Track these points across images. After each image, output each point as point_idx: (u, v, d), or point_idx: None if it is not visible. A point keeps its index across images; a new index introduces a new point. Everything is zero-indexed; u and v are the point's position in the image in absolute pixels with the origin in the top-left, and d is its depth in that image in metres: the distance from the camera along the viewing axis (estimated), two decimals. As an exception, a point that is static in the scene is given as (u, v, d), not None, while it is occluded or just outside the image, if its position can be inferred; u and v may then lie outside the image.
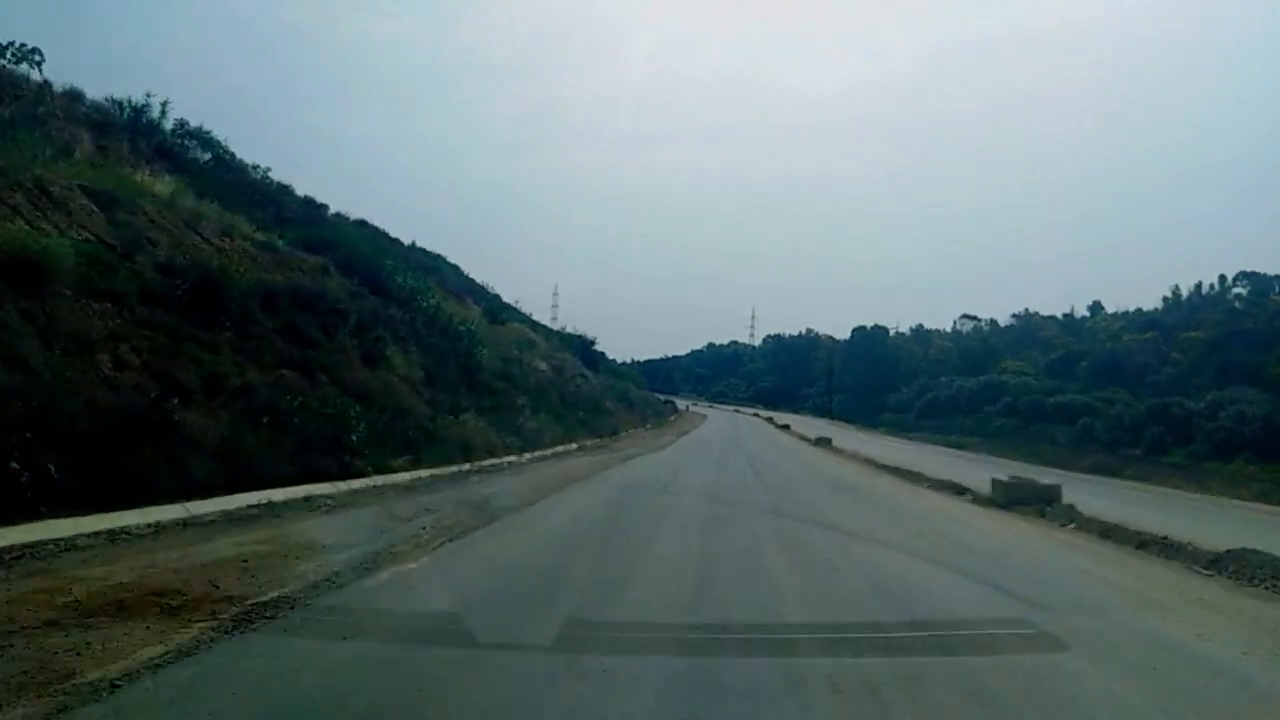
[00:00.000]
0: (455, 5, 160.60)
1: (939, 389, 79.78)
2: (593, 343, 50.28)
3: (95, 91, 20.35)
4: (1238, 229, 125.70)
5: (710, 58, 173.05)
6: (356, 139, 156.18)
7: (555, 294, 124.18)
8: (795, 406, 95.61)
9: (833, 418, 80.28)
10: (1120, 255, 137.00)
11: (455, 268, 41.39)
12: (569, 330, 49.40)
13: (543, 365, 24.93)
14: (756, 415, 79.69)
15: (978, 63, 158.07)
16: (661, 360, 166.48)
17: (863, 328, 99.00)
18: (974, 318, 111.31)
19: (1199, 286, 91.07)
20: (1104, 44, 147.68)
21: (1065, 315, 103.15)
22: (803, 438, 42.98)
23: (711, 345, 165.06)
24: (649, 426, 40.49)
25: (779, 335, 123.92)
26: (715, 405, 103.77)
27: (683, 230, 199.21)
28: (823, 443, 38.10)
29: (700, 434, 39.12)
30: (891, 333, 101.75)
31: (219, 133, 23.70)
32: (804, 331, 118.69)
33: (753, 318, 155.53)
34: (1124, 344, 71.55)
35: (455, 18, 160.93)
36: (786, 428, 51.64)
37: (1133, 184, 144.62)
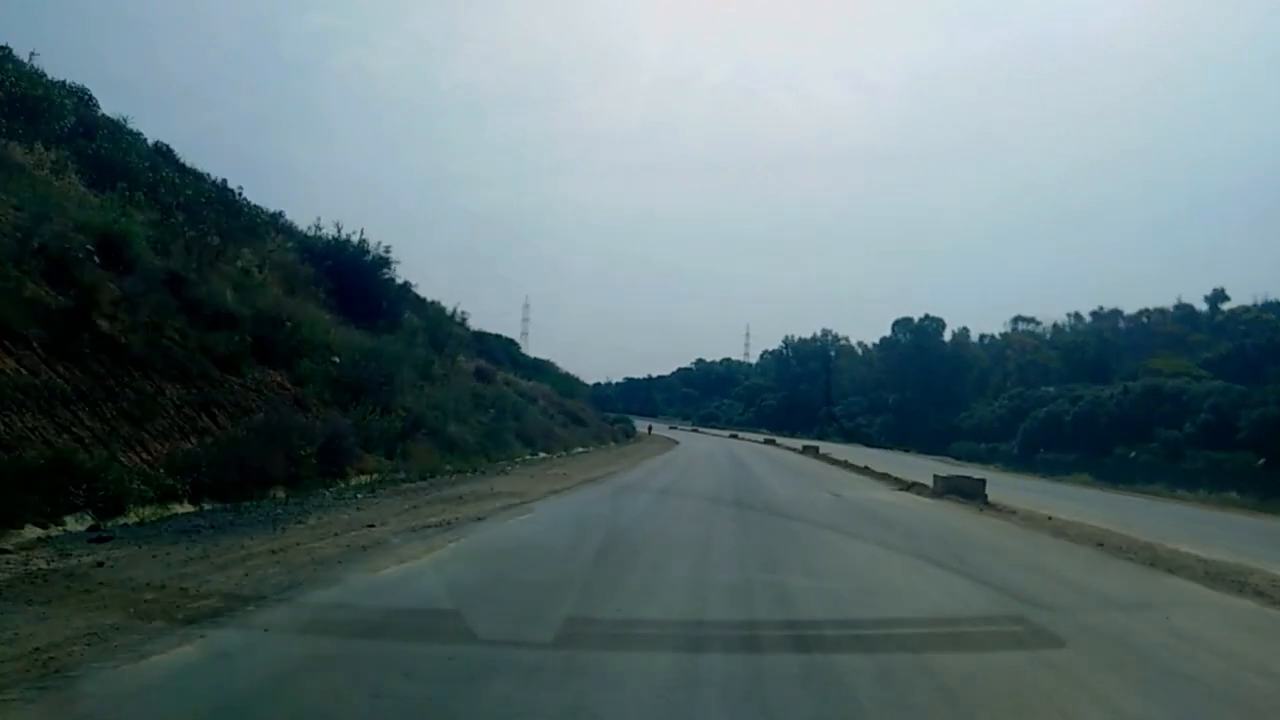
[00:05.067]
0: (447, 38, 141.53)
1: (1053, 403, 50.48)
2: (378, 263, 19.38)
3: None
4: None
5: (705, 87, 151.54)
6: (347, 171, 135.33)
7: (526, 307, 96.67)
8: (819, 431, 66.02)
9: (905, 448, 50.93)
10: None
11: None
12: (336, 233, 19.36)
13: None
14: (771, 442, 50.17)
15: (964, 89, 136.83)
16: (644, 380, 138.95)
17: (908, 320, 69.94)
18: (1031, 319, 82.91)
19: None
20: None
21: (1177, 307, 75.39)
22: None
23: (701, 362, 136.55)
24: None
25: (786, 340, 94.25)
26: (702, 430, 74.21)
27: (673, 253, 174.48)
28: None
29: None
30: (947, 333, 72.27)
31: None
32: (818, 334, 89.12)
33: (747, 335, 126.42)
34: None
35: (447, 50, 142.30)
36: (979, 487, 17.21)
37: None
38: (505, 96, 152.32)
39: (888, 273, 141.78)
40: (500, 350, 44.35)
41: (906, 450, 49.27)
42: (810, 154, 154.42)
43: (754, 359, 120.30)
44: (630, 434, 46.33)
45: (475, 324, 40.17)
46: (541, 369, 47.49)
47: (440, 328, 21.66)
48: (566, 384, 45.81)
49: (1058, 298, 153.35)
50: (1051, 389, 54.52)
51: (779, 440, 51.84)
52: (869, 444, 52.00)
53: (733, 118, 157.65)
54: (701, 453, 34.66)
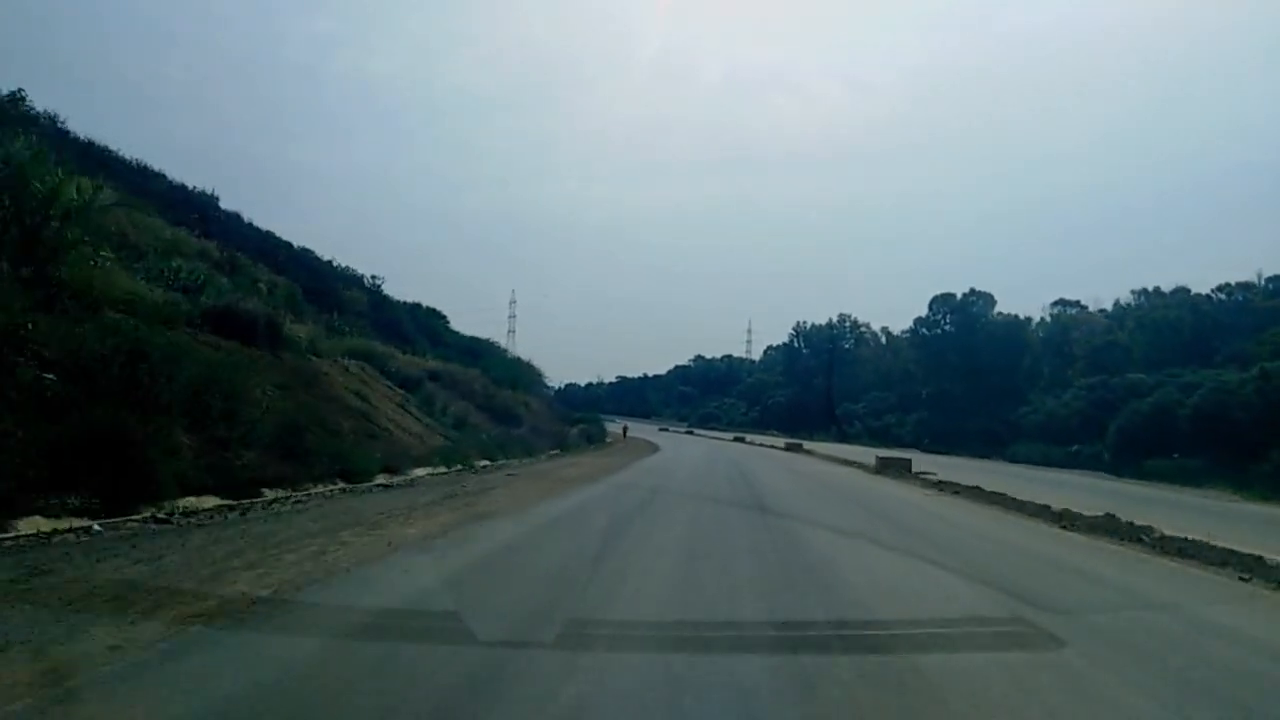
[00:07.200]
0: (445, 41, 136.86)
1: (1156, 393, 38.55)
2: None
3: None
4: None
5: (699, 91, 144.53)
6: (345, 174, 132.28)
7: (512, 303, 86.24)
8: (837, 432, 54.04)
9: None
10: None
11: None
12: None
13: None
14: (796, 448, 38.18)
15: (960, 89, 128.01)
16: (637, 379, 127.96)
17: (948, 298, 57.90)
18: (1076, 303, 70.62)
19: None
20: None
21: (1269, 280, 62.80)
22: None
23: (700, 359, 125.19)
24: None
25: (796, 327, 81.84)
26: (699, 431, 62.44)
27: (670, 250, 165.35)
28: None
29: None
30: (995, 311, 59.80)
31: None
32: (834, 320, 76.93)
33: (749, 331, 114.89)
34: None
35: (445, 53, 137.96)
36: None
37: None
38: (503, 97, 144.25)
39: (898, 261, 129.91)
40: (415, 324, 32.76)
41: (985, 457, 37.27)
42: (812, 146, 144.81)
43: (757, 356, 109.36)
44: (595, 438, 34.50)
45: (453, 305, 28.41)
46: (480, 351, 35.84)
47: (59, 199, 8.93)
48: (510, 371, 33.94)
49: (1088, 282, 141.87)
50: (1144, 376, 42.63)
51: (806, 445, 39.51)
52: (928, 449, 40.09)
53: (735, 111, 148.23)
54: (681, 482, 16.41)
